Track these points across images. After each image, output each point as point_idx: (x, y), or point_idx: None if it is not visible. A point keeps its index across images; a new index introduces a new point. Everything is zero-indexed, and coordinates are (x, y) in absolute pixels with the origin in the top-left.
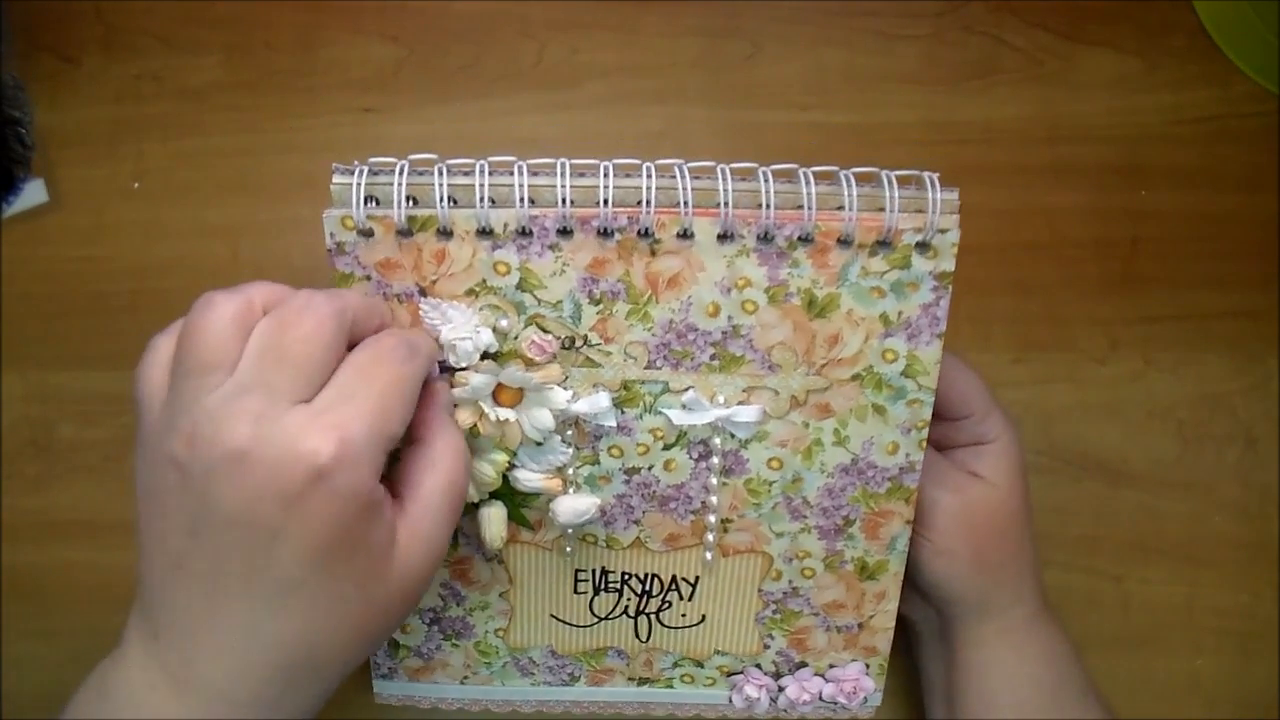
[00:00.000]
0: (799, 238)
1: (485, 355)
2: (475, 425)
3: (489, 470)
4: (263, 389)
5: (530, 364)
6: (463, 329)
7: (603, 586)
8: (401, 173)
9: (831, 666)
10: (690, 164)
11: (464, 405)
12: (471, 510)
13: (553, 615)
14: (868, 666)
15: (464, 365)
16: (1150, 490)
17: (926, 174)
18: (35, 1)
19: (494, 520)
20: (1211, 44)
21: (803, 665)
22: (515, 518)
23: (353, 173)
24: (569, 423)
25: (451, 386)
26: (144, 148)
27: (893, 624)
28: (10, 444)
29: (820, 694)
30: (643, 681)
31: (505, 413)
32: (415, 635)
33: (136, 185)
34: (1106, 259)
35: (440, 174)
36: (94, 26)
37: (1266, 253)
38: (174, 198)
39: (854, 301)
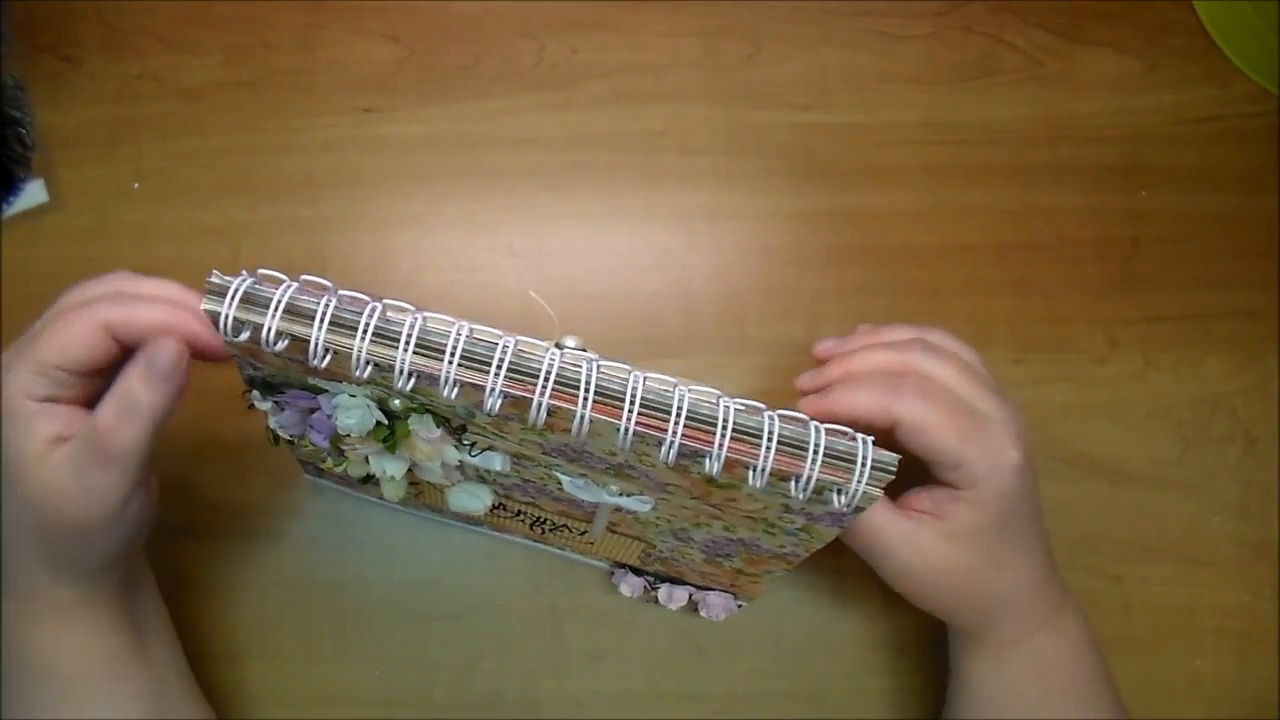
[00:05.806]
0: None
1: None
2: (368, 475)
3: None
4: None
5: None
6: (353, 413)
7: (501, 511)
8: (273, 340)
9: (705, 589)
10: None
11: (356, 460)
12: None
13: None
14: (736, 599)
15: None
16: (1150, 490)
17: (861, 437)
18: (35, 1)
19: (394, 486)
20: (1211, 44)
21: (680, 583)
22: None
23: (225, 294)
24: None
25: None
26: (144, 148)
27: (766, 585)
28: None
29: (689, 600)
30: (539, 538)
31: (393, 467)
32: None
33: (136, 185)
34: (1106, 259)
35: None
36: (94, 26)
37: (1266, 253)
38: (174, 198)
39: (758, 491)
